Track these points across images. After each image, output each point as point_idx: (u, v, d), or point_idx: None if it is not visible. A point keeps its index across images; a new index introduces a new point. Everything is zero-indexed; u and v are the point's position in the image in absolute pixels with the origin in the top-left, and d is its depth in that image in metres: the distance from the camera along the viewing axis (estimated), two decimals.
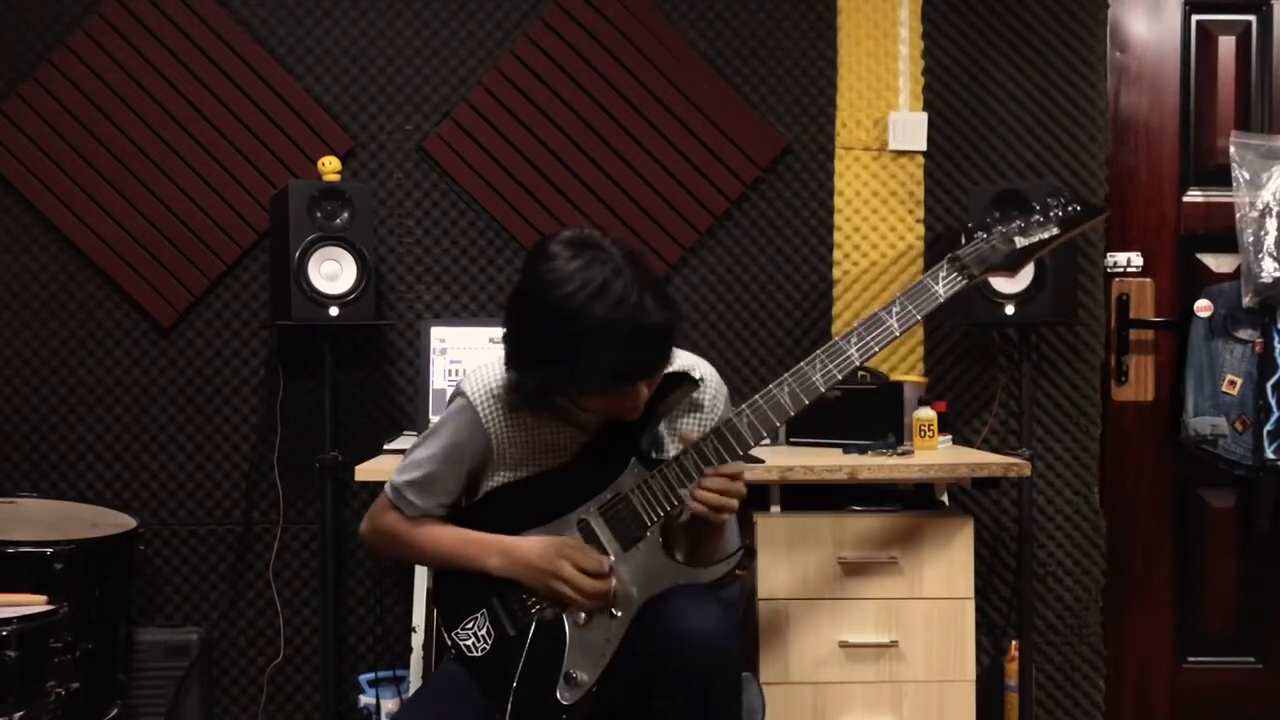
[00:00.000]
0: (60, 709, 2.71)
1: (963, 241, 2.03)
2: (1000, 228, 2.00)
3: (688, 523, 2.03)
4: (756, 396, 1.97)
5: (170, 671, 3.26)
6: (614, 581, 1.96)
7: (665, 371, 1.97)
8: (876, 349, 1.96)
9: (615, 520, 1.99)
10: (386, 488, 2.13)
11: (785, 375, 1.97)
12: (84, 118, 3.34)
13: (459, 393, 2.09)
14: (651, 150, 3.39)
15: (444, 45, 3.40)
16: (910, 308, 1.96)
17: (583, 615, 1.96)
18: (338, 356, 3.24)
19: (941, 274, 1.97)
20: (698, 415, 2.11)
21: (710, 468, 1.93)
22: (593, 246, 1.87)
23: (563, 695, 1.94)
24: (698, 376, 2.05)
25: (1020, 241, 1.99)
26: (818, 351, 1.97)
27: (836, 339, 1.97)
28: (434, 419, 2.27)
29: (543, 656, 1.97)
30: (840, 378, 1.95)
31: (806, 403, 1.95)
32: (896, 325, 1.94)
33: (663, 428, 2.08)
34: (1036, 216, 2.01)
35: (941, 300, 1.96)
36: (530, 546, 2.01)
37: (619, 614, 1.95)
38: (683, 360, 2.07)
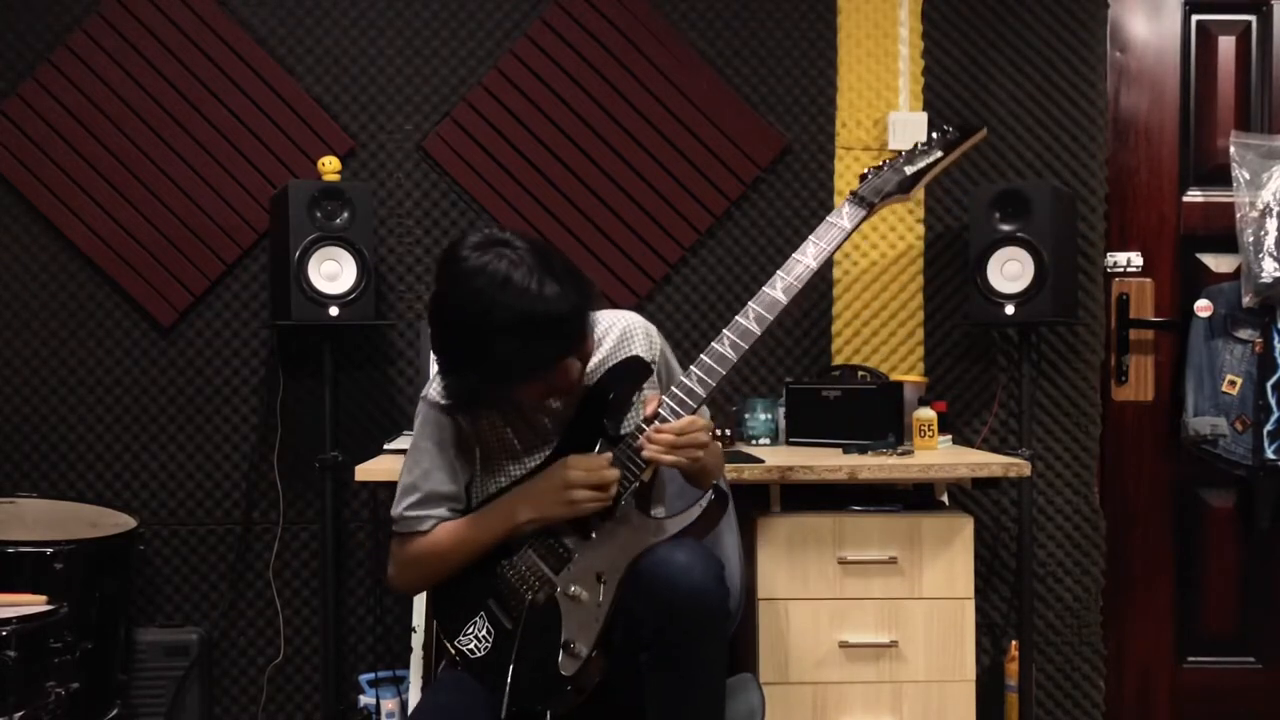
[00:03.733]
0: (60, 709, 2.71)
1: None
2: (890, 161, 2.21)
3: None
4: (702, 354, 2.10)
5: (170, 671, 3.26)
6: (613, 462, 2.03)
7: (624, 357, 2.12)
8: (799, 285, 2.12)
9: None
10: (394, 528, 2.15)
11: (724, 330, 2.11)
12: (84, 118, 3.34)
13: (427, 401, 2.13)
14: (652, 150, 3.39)
15: (444, 45, 3.40)
16: (822, 244, 2.14)
17: (573, 587, 2.00)
18: (338, 356, 3.24)
19: (845, 210, 2.16)
20: (650, 376, 2.16)
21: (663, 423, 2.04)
22: (497, 244, 1.96)
23: (564, 667, 1.98)
24: (625, 330, 2.15)
25: (909, 169, 2.19)
26: (749, 303, 2.11)
27: (763, 288, 2.12)
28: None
29: (540, 636, 2.01)
30: (770, 318, 2.11)
31: (745, 347, 2.10)
32: (813, 262, 2.13)
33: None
34: (921, 146, 2.22)
35: (848, 230, 2.14)
36: (536, 481, 2.07)
37: (606, 580, 2.00)
38: (604, 320, 2.17)
